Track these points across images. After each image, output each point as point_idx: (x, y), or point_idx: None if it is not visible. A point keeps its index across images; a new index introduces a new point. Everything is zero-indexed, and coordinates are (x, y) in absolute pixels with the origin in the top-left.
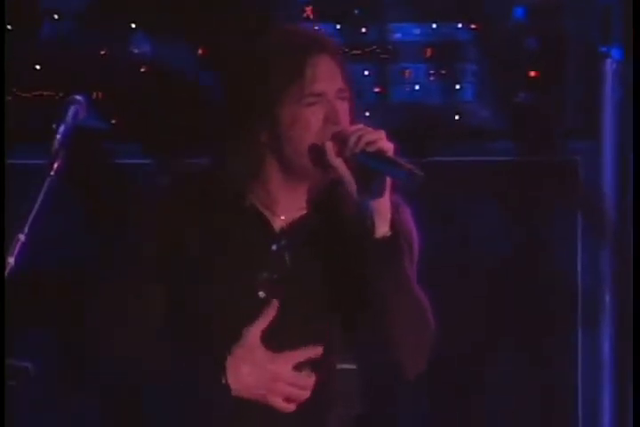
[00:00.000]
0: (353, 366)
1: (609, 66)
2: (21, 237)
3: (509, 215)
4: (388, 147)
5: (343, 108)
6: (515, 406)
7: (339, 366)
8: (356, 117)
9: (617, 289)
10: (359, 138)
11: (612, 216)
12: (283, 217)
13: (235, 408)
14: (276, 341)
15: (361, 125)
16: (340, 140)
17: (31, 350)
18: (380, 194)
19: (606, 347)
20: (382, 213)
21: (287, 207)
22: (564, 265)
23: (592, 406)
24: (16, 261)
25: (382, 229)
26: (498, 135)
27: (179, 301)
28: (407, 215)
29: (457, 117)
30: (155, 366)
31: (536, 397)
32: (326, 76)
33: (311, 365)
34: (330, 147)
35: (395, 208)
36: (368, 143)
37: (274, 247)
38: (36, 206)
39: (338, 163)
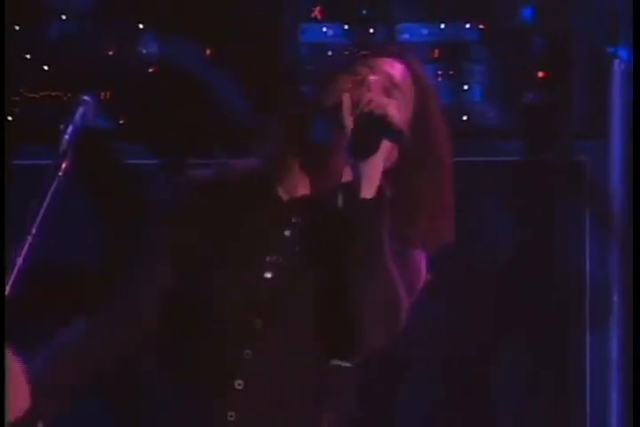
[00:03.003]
0: (347, 364)
1: (617, 66)
2: (29, 237)
3: (517, 215)
4: (394, 114)
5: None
6: (523, 405)
7: (333, 363)
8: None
9: (625, 289)
10: (371, 100)
11: (620, 216)
12: (299, 203)
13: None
14: (277, 324)
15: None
16: (356, 96)
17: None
18: (372, 153)
19: (614, 346)
20: (371, 177)
21: (305, 194)
22: (571, 265)
23: (600, 406)
24: (24, 261)
25: (367, 191)
26: (506, 135)
27: (192, 293)
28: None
29: (465, 118)
30: (167, 360)
31: (544, 396)
32: (382, 63)
33: (308, 361)
34: (347, 99)
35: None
36: (377, 106)
37: (287, 233)
38: (44, 207)
39: (348, 121)
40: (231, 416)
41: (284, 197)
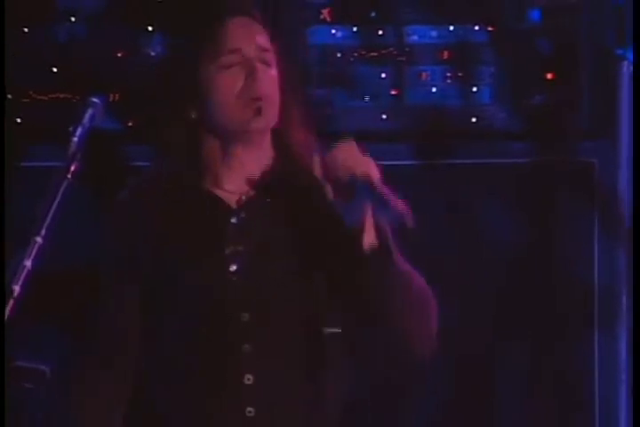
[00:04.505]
0: (338, 330)
1: (625, 68)
2: (38, 239)
3: (526, 217)
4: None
5: (266, 72)
6: (531, 406)
7: (326, 331)
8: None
9: (633, 290)
10: (350, 166)
11: (629, 218)
12: (235, 193)
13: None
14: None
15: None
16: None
17: (47, 354)
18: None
19: (623, 348)
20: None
21: (236, 183)
22: (580, 267)
23: (609, 407)
24: (33, 263)
25: (368, 238)
26: (514, 137)
27: (173, 300)
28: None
29: (474, 120)
30: (170, 366)
31: (552, 398)
32: (242, 33)
33: (298, 331)
34: (317, 161)
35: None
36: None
37: (233, 220)
38: (53, 209)
39: (325, 183)
40: (250, 412)
41: (213, 188)
